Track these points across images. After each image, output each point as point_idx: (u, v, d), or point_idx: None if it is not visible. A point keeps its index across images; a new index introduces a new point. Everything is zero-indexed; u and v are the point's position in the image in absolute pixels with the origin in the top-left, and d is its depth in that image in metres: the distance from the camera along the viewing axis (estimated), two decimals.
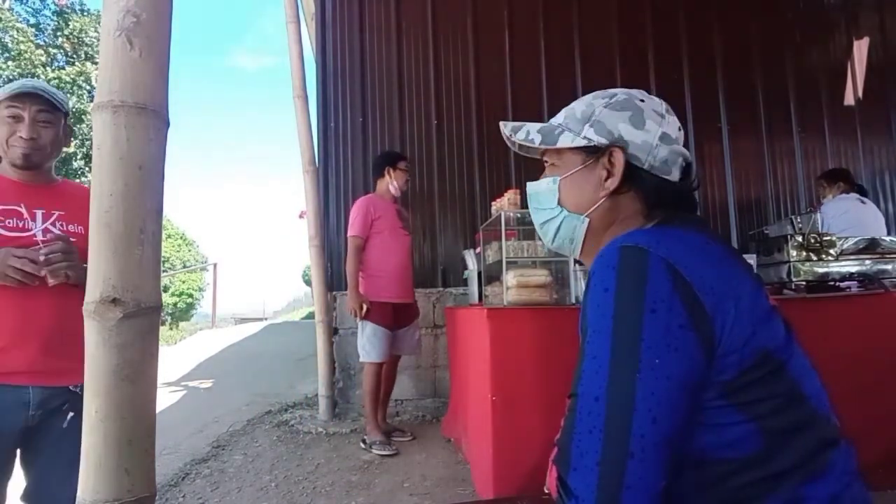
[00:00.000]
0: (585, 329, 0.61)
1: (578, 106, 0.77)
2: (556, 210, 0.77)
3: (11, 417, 1.23)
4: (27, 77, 11.69)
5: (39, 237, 1.26)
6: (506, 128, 0.81)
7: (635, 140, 0.71)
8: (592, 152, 0.73)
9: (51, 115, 1.31)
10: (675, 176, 0.72)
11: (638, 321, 0.56)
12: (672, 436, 0.55)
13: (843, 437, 0.62)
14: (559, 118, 0.79)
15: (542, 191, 0.79)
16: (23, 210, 1.26)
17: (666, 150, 0.72)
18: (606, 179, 0.72)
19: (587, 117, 0.74)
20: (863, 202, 3.34)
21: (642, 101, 0.74)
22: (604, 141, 0.72)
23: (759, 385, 0.58)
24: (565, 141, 0.75)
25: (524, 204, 2.45)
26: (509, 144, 0.84)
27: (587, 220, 0.74)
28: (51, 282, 1.19)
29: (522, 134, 0.78)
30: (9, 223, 1.24)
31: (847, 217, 3.13)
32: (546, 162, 0.80)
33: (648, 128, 0.72)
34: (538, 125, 0.79)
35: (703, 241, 0.65)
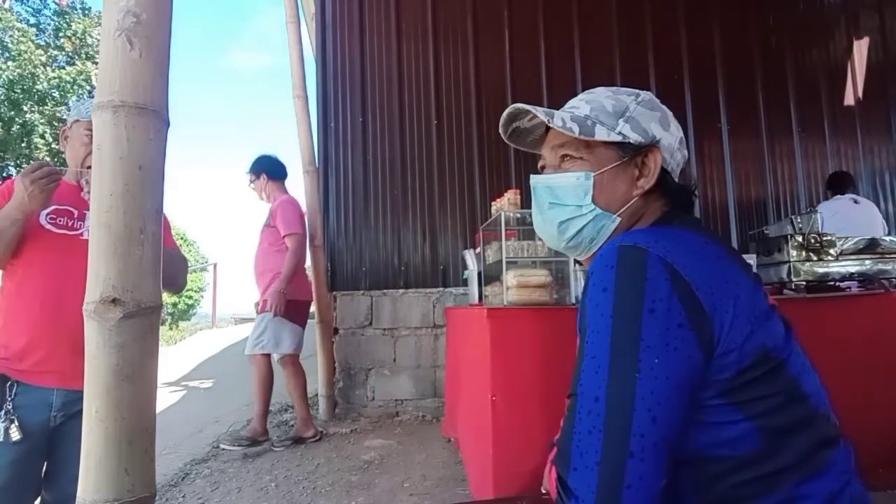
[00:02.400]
0: (584, 329, 0.61)
1: (603, 99, 0.73)
2: (586, 207, 0.71)
3: (37, 415, 1.24)
4: (27, 77, 11.70)
5: (86, 235, 1.33)
6: (538, 111, 0.72)
7: (663, 142, 0.72)
8: (627, 149, 0.71)
9: None
10: (677, 178, 0.74)
11: (637, 321, 0.56)
12: (672, 435, 0.55)
13: (843, 437, 0.62)
14: (582, 108, 0.73)
15: (569, 185, 0.72)
16: (74, 211, 1.35)
17: (680, 155, 0.75)
18: (639, 178, 0.71)
19: (620, 112, 0.72)
20: (856, 202, 3.34)
21: (661, 103, 0.76)
22: (641, 139, 0.71)
23: (758, 384, 0.58)
24: (601, 134, 0.70)
25: (524, 204, 2.46)
26: (501, 132, 0.82)
27: (618, 219, 0.71)
28: None
29: (558, 121, 0.71)
30: (59, 221, 1.32)
31: (837, 219, 3.13)
32: (566, 156, 0.73)
33: (672, 131, 0.74)
34: (569, 113, 0.73)
35: (702, 240, 0.65)
